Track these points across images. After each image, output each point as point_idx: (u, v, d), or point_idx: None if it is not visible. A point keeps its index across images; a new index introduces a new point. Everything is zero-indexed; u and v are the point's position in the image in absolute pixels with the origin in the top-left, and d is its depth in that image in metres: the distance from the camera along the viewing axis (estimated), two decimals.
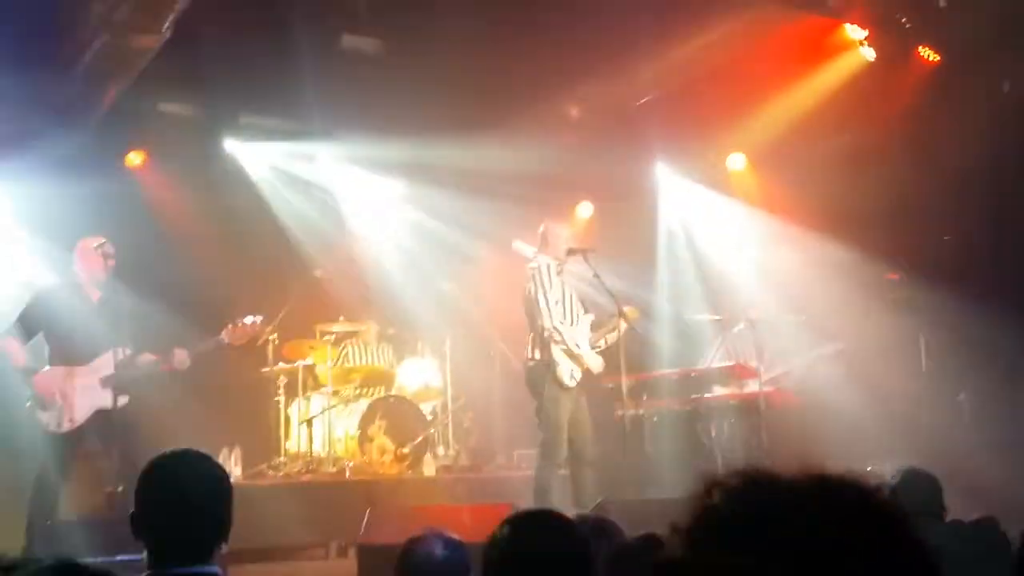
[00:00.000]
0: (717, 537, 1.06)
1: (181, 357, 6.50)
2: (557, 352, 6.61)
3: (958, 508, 4.28)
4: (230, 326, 6.82)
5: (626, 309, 6.75)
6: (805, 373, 8.49)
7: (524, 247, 7.81)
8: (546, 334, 6.58)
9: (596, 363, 6.76)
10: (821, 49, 9.19)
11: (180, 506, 2.49)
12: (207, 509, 2.53)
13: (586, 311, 6.88)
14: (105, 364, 6.31)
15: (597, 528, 3.29)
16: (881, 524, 1.06)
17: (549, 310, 6.63)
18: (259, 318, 7.06)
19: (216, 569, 2.48)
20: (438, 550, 3.04)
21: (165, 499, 2.51)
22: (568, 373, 6.62)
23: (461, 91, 9.05)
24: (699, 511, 1.10)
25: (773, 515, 1.04)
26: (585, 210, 11.00)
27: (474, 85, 9.03)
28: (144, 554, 2.52)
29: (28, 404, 6.26)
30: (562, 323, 6.66)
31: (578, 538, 2.53)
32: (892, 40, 8.88)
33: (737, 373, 8.52)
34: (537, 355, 6.69)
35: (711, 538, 1.07)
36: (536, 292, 6.68)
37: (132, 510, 2.55)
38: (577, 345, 6.65)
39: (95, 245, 6.47)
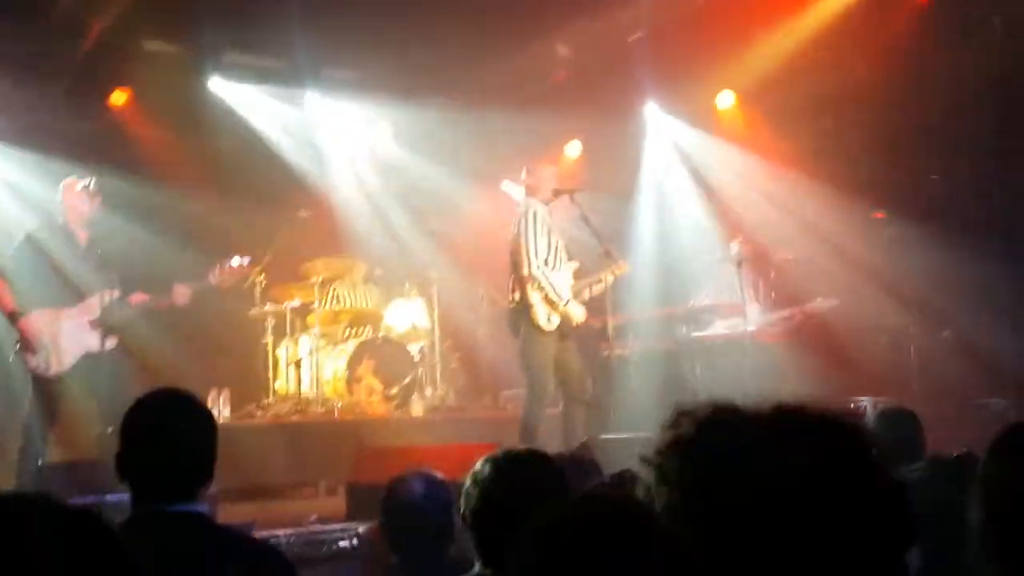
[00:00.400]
0: (683, 466, 1.08)
1: (181, 291, 6.47)
2: (535, 296, 6.60)
3: (937, 443, 4.33)
4: (217, 267, 6.79)
5: (617, 262, 6.69)
6: (795, 323, 8.51)
7: (512, 188, 7.78)
8: (527, 279, 6.55)
9: (577, 312, 6.68)
10: None
11: (164, 444, 2.50)
12: (191, 447, 2.54)
13: (570, 258, 6.83)
14: (93, 306, 6.30)
15: (575, 466, 3.33)
16: (847, 457, 1.07)
17: (534, 256, 6.60)
18: (247, 259, 7.02)
19: (203, 508, 2.49)
20: (419, 488, 3.08)
21: (149, 437, 2.52)
22: (545, 316, 6.59)
23: (450, 28, 8.94)
24: (667, 441, 1.11)
25: (738, 445, 1.06)
26: (574, 149, 10.93)
27: (463, 21, 8.91)
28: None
29: (16, 347, 6.25)
30: (545, 269, 6.62)
31: (555, 475, 2.56)
32: None
33: (722, 311, 8.56)
34: (517, 297, 6.67)
35: (678, 467, 1.08)
36: (521, 236, 6.64)
37: (117, 450, 2.56)
38: (558, 293, 6.61)
39: (80, 185, 6.41)
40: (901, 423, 4.30)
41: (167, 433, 2.52)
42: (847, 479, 1.05)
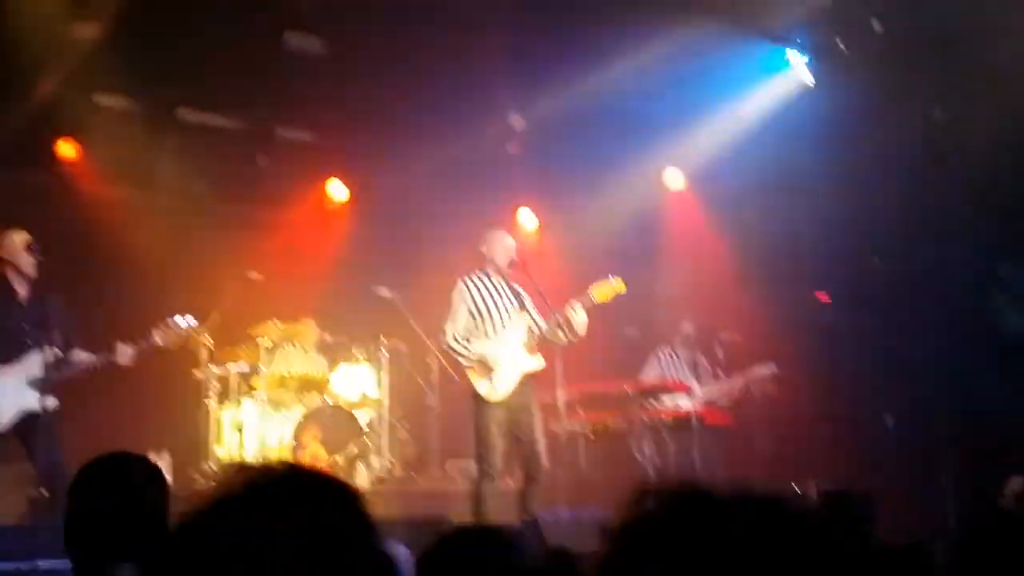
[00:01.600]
0: (647, 542, 1.07)
1: (124, 351, 6.32)
2: (469, 371, 6.63)
3: (882, 531, 4.34)
4: (163, 327, 6.68)
5: (571, 315, 6.63)
6: (739, 393, 8.61)
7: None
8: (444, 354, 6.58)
9: (525, 367, 6.66)
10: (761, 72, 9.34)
11: (120, 508, 2.43)
12: (147, 513, 2.47)
13: (521, 310, 6.78)
14: (33, 364, 6.12)
15: (518, 542, 3.27)
16: (811, 540, 1.07)
17: (447, 328, 6.70)
18: (192, 319, 6.91)
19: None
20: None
21: (103, 502, 2.45)
22: (485, 387, 6.58)
23: (404, 94, 9.02)
24: (631, 516, 1.11)
25: (705, 526, 1.05)
26: (526, 217, 11.03)
27: (417, 87, 9.00)
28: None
29: None
30: (460, 341, 6.65)
31: (504, 552, 2.52)
32: (831, 65, 9.04)
33: (670, 389, 8.62)
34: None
35: (641, 543, 1.08)
36: (449, 310, 6.74)
37: (66, 514, 2.47)
38: (476, 354, 6.60)
39: (20, 239, 6.27)
40: (851, 507, 4.31)
41: (121, 496, 2.45)
42: (810, 563, 1.05)
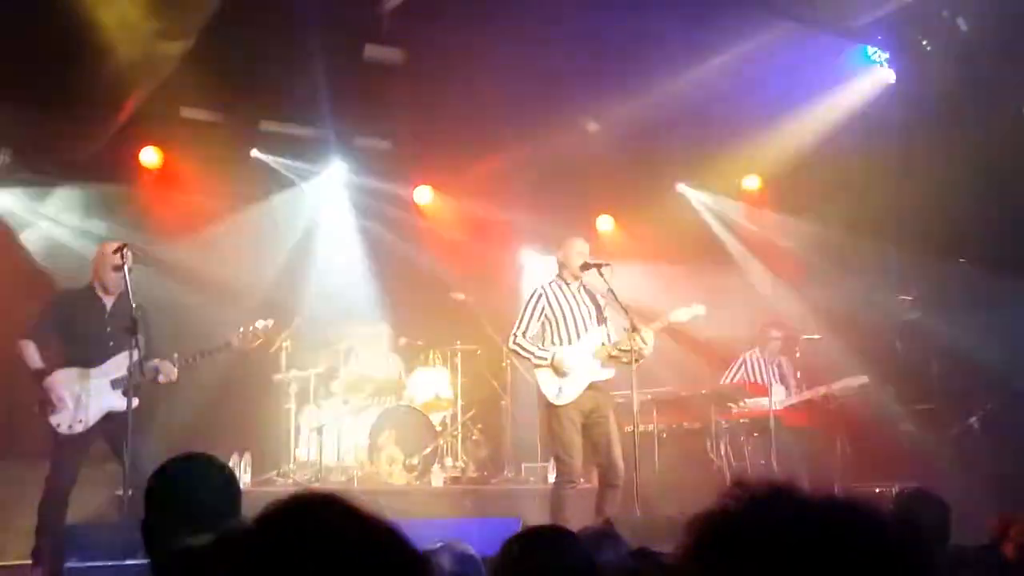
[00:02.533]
0: (732, 542, 1.07)
1: (167, 370, 6.48)
2: (539, 371, 6.68)
3: (961, 535, 4.25)
4: (241, 330, 6.86)
5: (641, 331, 6.66)
6: (821, 401, 8.46)
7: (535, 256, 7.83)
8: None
9: (595, 376, 6.69)
10: (841, 69, 9.20)
11: (189, 510, 2.48)
12: (216, 512, 2.51)
13: (599, 322, 6.83)
14: (117, 366, 6.33)
15: (597, 543, 3.29)
16: (899, 549, 1.07)
17: (515, 330, 6.75)
18: (270, 322, 7.09)
19: None
20: (447, 563, 3.02)
21: (174, 503, 2.50)
22: (554, 391, 6.61)
23: (481, 102, 9.09)
24: (715, 514, 1.11)
25: (792, 529, 1.05)
26: (605, 223, 11.05)
27: (494, 95, 9.06)
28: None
29: (36, 409, 6.28)
30: (524, 342, 6.70)
31: (579, 552, 2.54)
32: (913, 62, 8.88)
33: (749, 391, 8.53)
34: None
35: (724, 541, 1.08)
36: (520, 313, 6.81)
37: (144, 516, 2.54)
38: (540, 356, 6.64)
39: (112, 249, 6.47)
40: (928, 509, 4.22)
41: (192, 498, 2.50)
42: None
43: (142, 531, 2.49)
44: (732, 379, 8.78)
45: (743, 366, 8.82)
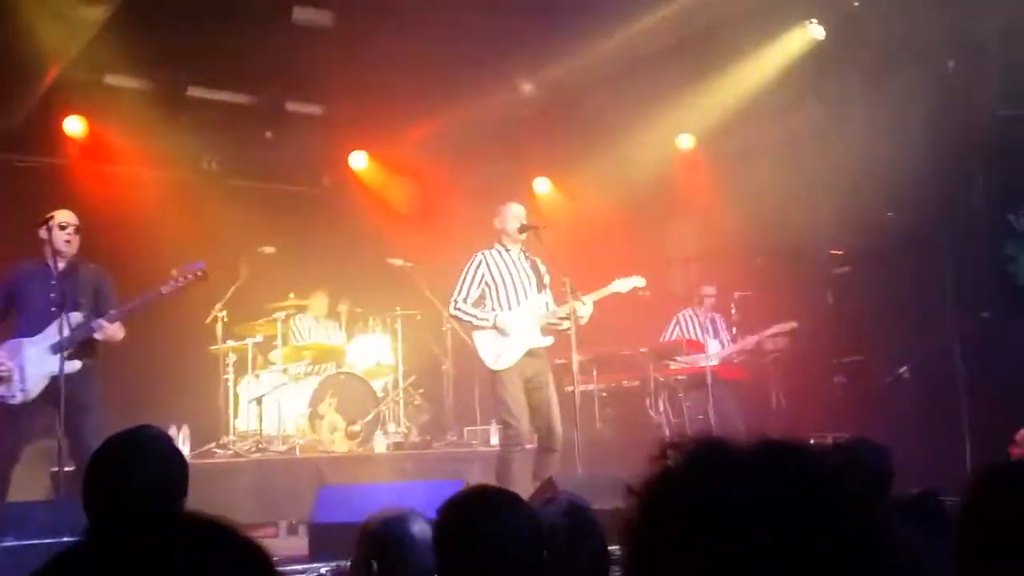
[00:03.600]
0: (671, 499, 1.08)
1: (102, 326, 6.33)
2: (477, 336, 6.71)
3: (897, 481, 4.35)
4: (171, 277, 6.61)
5: (579, 298, 6.72)
6: (759, 349, 8.64)
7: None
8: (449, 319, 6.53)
9: (534, 342, 6.73)
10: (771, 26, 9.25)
11: (137, 487, 2.45)
12: (162, 487, 2.49)
13: (540, 289, 6.87)
14: (54, 330, 6.24)
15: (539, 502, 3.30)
16: (834, 491, 1.07)
17: (455, 296, 6.79)
18: (200, 264, 6.85)
19: None
20: (416, 528, 2.98)
21: (117, 478, 2.47)
22: (492, 356, 6.65)
23: (415, 64, 9.00)
24: (655, 473, 1.11)
25: (730, 479, 1.05)
26: (543, 185, 11.05)
27: (428, 56, 8.97)
28: None
29: None
30: (464, 306, 6.74)
31: (525, 512, 2.55)
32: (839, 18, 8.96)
33: (685, 348, 8.65)
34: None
35: (666, 498, 1.08)
36: (460, 279, 6.82)
37: (84, 491, 2.51)
38: (481, 318, 6.68)
39: (61, 225, 6.39)
40: (870, 457, 4.31)
41: (136, 473, 2.47)
42: (836, 514, 1.05)
43: (85, 507, 2.46)
44: (669, 337, 8.90)
45: (678, 324, 8.95)
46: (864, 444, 4.47)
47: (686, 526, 1.04)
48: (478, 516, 2.50)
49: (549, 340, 6.83)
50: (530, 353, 6.70)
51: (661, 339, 8.89)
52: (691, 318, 8.95)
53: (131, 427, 2.63)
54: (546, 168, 10.97)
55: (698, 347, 8.64)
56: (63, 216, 6.43)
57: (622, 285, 7.03)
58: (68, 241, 6.36)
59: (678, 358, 8.59)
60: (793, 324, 8.52)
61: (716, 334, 8.83)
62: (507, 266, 6.83)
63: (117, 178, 9.32)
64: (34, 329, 6.28)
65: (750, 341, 8.64)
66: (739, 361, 8.73)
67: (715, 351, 8.63)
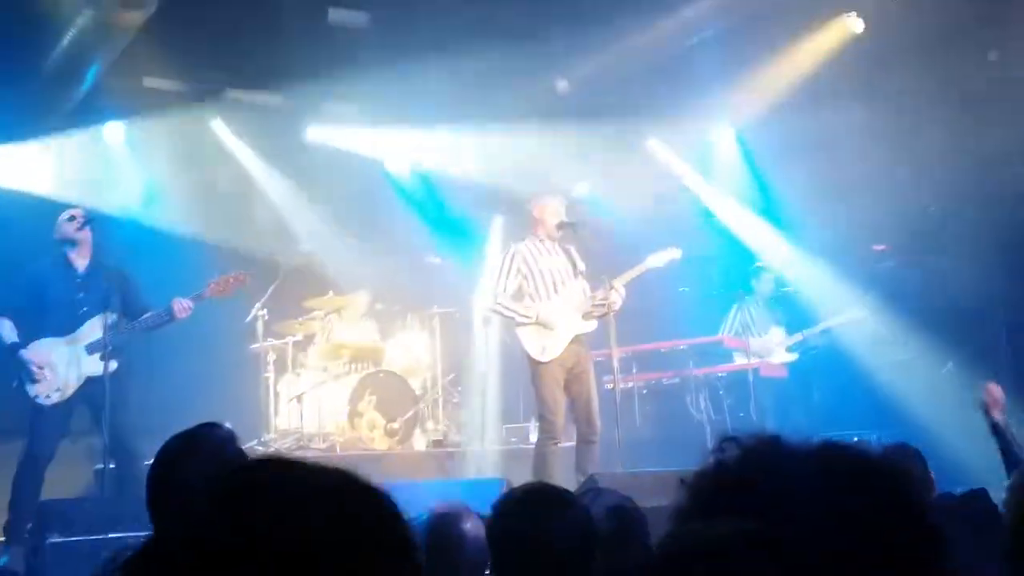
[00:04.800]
0: (726, 495, 1.06)
1: (182, 305, 6.40)
2: (521, 331, 6.68)
3: (943, 480, 4.29)
4: (212, 281, 6.68)
5: (614, 289, 6.67)
6: (823, 340, 8.54)
7: None
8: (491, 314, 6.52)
9: (577, 329, 6.69)
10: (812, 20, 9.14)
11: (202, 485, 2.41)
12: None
13: (576, 275, 6.82)
14: (91, 330, 6.28)
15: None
16: (891, 490, 1.06)
17: (495, 290, 6.76)
18: (241, 272, 6.94)
19: None
20: (467, 524, 2.95)
21: (185, 479, 2.43)
22: (538, 349, 6.61)
23: (451, 65, 8.98)
24: (710, 468, 1.10)
25: (786, 476, 1.04)
26: (580, 184, 11.00)
27: (464, 58, 8.95)
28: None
29: (15, 384, 6.21)
30: (506, 299, 6.71)
31: (580, 511, 2.53)
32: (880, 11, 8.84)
33: (726, 345, 8.58)
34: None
35: (720, 495, 1.07)
36: (497, 272, 6.82)
37: (150, 487, 2.47)
38: (524, 315, 6.64)
39: (70, 216, 6.44)
40: (908, 460, 4.25)
41: (204, 476, 2.43)
42: (894, 514, 1.03)
43: (149, 504, 2.42)
44: (731, 328, 8.78)
45: (739, 313, 8.83)
46: (902, 450, 4.41)
47: (739, 521, 1.02)
48: (535, 514, 2.48)
49: (592, 325, 6.79)
50: (574, 340, 6.67)
51: (723, 330, 8.77)
52: (750, 308, 8.85)
53: (198, 424, 2.60)
54: (583, 166, 10.90)
55: (738, 343, 8.56)
56: (71, 210, 6.49)
57: (657, 260, 6.93)
58: (79, 230, 6.37)
59: (719, 354, 8.51)
60: (861, 313, 8.40)
61: (778, 323, 8.74)
62: (542, 256, 6.80)
63: (157, 179, 9.39)
64: (64, 329, 6.31)
65: (813, 331, 8.54)
66: (781, 361, 8.61)
67: (778, 340, 8.55)
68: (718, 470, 1.09)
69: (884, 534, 1.01)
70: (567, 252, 6.88)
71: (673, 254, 6.98)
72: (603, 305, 6.67)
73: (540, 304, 6.67)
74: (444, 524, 2.97)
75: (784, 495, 1.03)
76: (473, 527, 2.92)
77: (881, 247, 9.10)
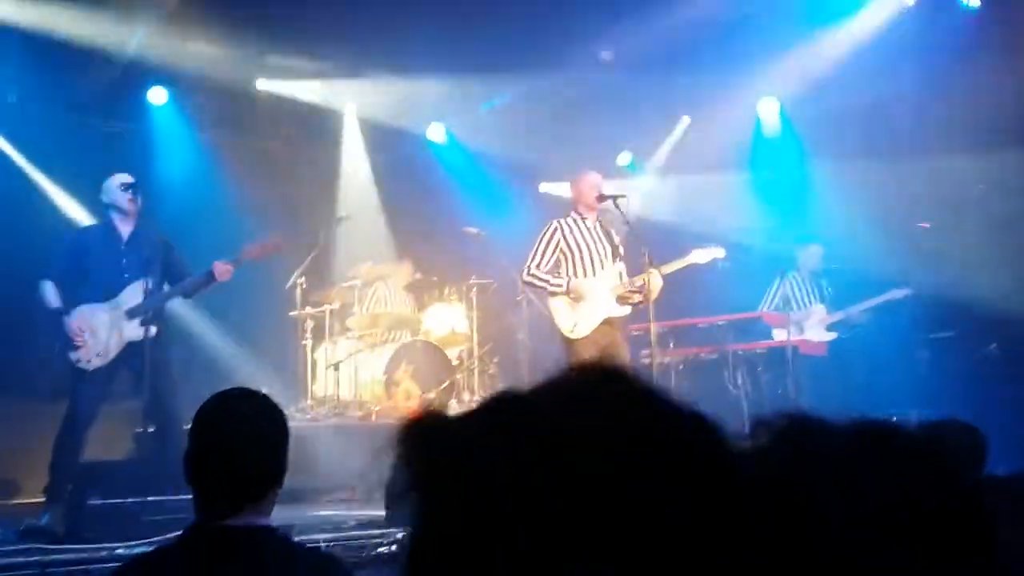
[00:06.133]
0: (765, 473, 1.04)
1: (223, 268, 6.42)
2: (553, 303, 6.64)
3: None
4: (249, 245, 6.70)
5: (651, 273, 6.59)
6: (864, 318, 8.43)
7: (552, 188, 7.71)
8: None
9: (611, 311, 6.63)
10: None
11: (242, 447, 2.39)
12: (268, 451, 2.44)
13: (615, 259, 6.78)
14: (132, 295, 6.33)
15: None
16: (936, 472, 1.03)
17: (529, 262, 6.69)
18: (278, 235, 6.95)
19: (270, 522, 2.34)
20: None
21: (225, 440, 2.40)
22: (569, 324, 6.56)
23: (493, 30, 8.92)
24: (747, 451, 1.08)
25: (823, 460, 1.00)
26: (623, 158, 10.95)
27: (505, 24, 8.88)
28: (191, 497, 2.45)
29: (57, 347, 6.27)
30: (537, 272, 6.65)
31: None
32: None
33: (765, 322, 8.49)
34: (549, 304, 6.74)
35: (758, 474, 1.05)
36: (535, 246, 6.74)
37: (187, 450, 2.47)
38: (555, 284, 6.60)
39: (119, 182, 6.47)
40: (960, 438, 4.17)
41: (246, 436, 2.42)
42: (938, 496, 1.00)
43: (187, 466, 2.42)
44: (772, 302, 8.69)
45: (782, 287, 8.73)
46: (955, 424, 4.32)
47: (777, 503, 1.00)
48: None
49: (626, 310, 6.74)
50: (607, 322, 6.62)
51: (763, 304, 8.68)
52: (793, 281, 8.75)
53: (234, 388, 2.59)
54: (627, 139, 10.82)
55: (778, 319, 8.47)
56: (123, 177, 6.50)
57: (701, 256, 6.88)
58: (131, 200, 6.41)
59: (757, 329, 8.43)
60: (907, 291, 8.28)
61: (822, 298, 8.63)
62: (583, 234, 6.75)
63: (198, 145, 9.43)
64: (106, 294, 6.34)
65: (858, 309, 8.43)
66: (821, 339, 8.51)
67: (820, 317, 8.46)
68: (753, 455, 1.07)
69: (926, 516, 0.99)
70: (608, 234, 6.82)
71: (717, 253, 6.92)
72: (639, 292, 6.62)
73: (575, 279, 6.63)
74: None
75: (819, 481, 1.01)
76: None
77: (925, 224, 8.94)
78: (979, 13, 8.65)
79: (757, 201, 10.13)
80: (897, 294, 8.29)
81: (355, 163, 10.23)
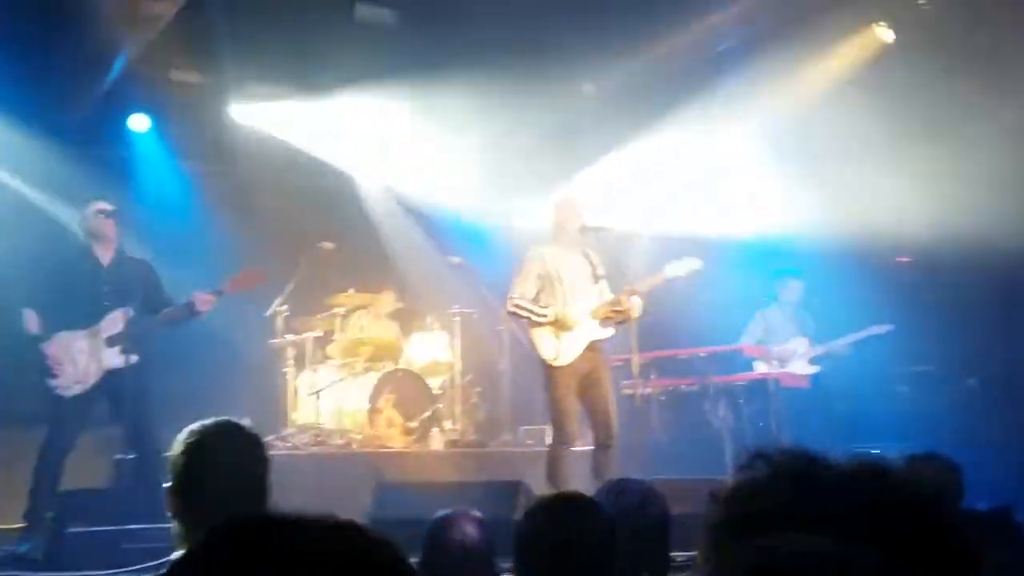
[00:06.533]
0: (758, 511, 1.05)
1: (204, 298, 6.40)
2: (536, 333, 6.59)
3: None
4: (230, 277, 6.69)
5: (631, 299, 6.59)
6: (844, 352, 8.45)
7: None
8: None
9: (594, 335, 6.60)
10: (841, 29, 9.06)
11: (223, 479, 2.42)
12: (248, 483, 2.46)
13: (596, 280, 6.74)
14: (112, 323, 6.30)
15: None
16: (927, 512, 1.05)
17: (511, 294, 6.65)
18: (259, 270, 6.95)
19: None
20: (472, 530, 2.97)
21: (207, 473, 2.43)
22: (551, 353, 6.53)
23: (477, 64, 8.97)
24: (742, 484, 1.09)
25: (819, 495, 1.04)
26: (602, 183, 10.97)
27: (490, 58, 8.94)
28: (170, 526, 2.45)
29: (38, 375, 6.23)
30: (521, 302, 6.60)
31: (604, 518, 2.54)
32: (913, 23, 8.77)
33: (746, 353, 8.52)
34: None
35: (753, 512, 1.06)
36: (516, 275, 6.71)
37: (168, 481, 2.48)
38: (540, 313, 6.54)
39: (97, 209, 6.46)
40: (938, 472, 4.19)
41: (226, 469, 2.44)
42: (929, 536, 1.02)
43: (169, 498, 2.43)
44: (752, 335, 8.70)
45: (762, 320, 8.76)
46: (932, 460, 4.34)
47: (770, 535, 1.01)
48: (561, 523, 2.49)
49: (610, 331, 6.70)
50: (590, 347, 6.59)
51: (743, 339, 8.69)
52: (774, 314, 8.76)
53: (216, 420, 2.60)
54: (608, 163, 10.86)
55: (758, 351, 8.50)
56: (101, 203, 6.49)
57: (677, 269, 6.77)
58: (110, 227, 6.40)
59: (738, 362, 8.45)
60: (885, 327, 8.30)
61: (804, 332, 8.63)
62: (563, 260, 6.72)
63: (179, 172, 9.42)
64: (86, 321, 6.32)
65: (840, 343, 8.44)
66: (803, 372, 8.53)
67: (803, 351, 8.48)
68: (752, 487, 1.08)
69: (916, 553, 1.01)
70: (587, 256, 6.80)
71: (693, 264, 6.78)
72: (620, 312, 6.60)
73: (559, 308, 6.61)
74: (445, 527, 2.97)
75: (814, 514, 1.02)
76: (474, 530, 2.93)
77: (904, 259, 9.02)
78: None
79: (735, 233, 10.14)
80: (879, 328, 8.32)
81: (336, 191, 10.21)
